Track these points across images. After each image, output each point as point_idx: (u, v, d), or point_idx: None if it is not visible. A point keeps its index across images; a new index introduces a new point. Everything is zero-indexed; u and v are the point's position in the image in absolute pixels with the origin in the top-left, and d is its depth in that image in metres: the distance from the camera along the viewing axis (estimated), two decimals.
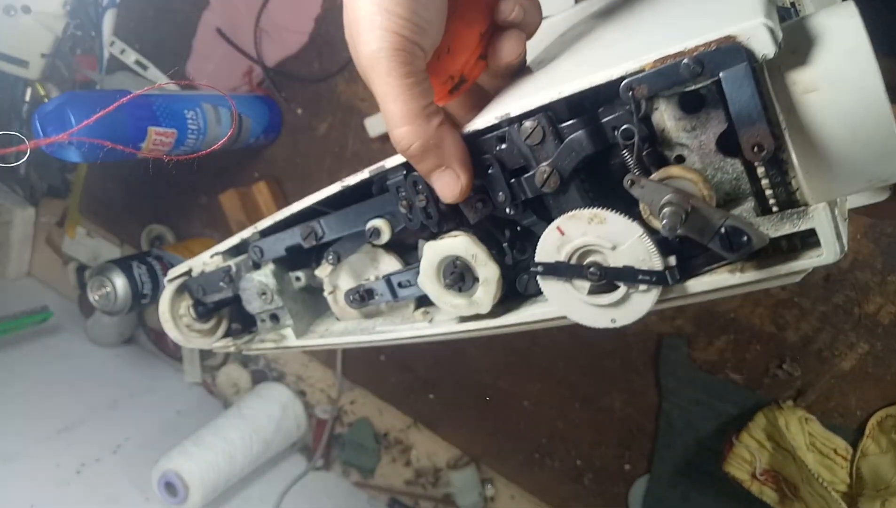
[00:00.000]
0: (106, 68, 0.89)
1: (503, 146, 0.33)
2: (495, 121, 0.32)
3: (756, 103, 0.26)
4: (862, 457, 0.67)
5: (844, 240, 0.28)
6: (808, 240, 0.28)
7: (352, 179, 0.38)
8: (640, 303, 0.31)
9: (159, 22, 0.88)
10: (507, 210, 0.34)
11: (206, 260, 0.48)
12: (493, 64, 0.36)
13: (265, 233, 0.45)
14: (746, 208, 0.29)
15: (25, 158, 0.94)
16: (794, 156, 0.27)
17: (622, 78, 0.28)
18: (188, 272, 0.49)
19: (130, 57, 0.88)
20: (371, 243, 0.39)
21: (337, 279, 0.45)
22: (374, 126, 0.79)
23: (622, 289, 0.30)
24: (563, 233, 0.31)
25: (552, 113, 0.31)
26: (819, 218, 0.27)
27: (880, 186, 0.29)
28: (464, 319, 0.38)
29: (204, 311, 0.49)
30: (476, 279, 0.36)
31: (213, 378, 1.03)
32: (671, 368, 0.75)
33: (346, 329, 0.46)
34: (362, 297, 0.42)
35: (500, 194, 0.34)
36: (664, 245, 0.29)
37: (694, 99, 0.29)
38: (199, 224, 0.95)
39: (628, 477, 0.81)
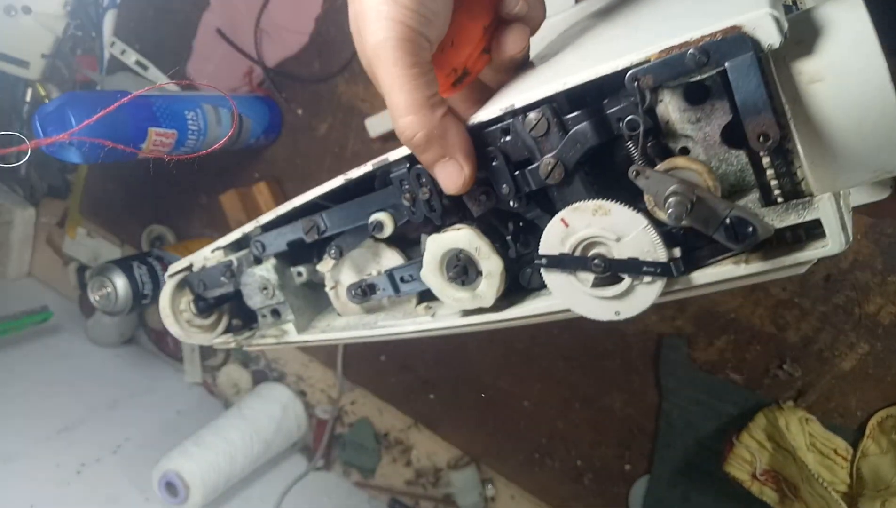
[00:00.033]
0: (106, 69, 0.89)
1: (507, 138, 0.33)
2: (500, 112, 0.32)
3: (762, 92, 0.26)
4: (862, 458, 0.67)
5: (849, 231, 0.28)
6: (813, 232, 0.28)
7: (355, 173, 0.38)
8: (645, 295, 0.30)
9: (160, 22, 0.88)
10: (511, 203, 0.34)
11: (208, 255, 0.47)
12: (496, 58, 0.36)
13: (267, 228, 0.45)
14: (751, 200, 0.29)
15: (26, 159, 0.94)
16: (799, 146, 0.27)
17: (627, 69, 0.28)
18: (189, 268, 0.49)
19: (131, 57, 0.88)
20: (374, 236, 0.39)
21: (339, 274, 0.45)
22: (374, 126, 0.79)
23: (626, 281, 0.30)
24: (567, 225, 0.31)
25: (556, 105, 0.31)
26: (824, 208, 0.27)
27: (884, 178, 0.29)
28: (467, 313, 0.38)
29: (205, 306, 0.49)
30: (479, 273, 0.36)
31: (214, 378, 1.03)
32: (671, 368, 0.75)
33: (347, 324, 0.45)
34: (364, 292, 0.42)
35: (504, 186, 0.34)
36: (668, 238, 0.29)
37: (699, 90, 0.29)
38: (199, 224, 0.95)
39: (628, 477, 0.81)
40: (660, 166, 0.29)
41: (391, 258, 0.42)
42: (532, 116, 0.31)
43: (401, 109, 0.31)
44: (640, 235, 0.29)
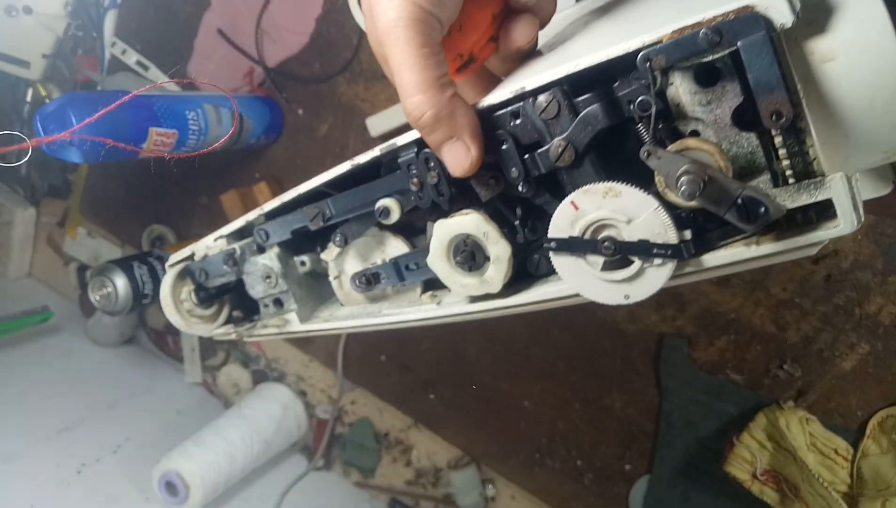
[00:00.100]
0: (107, 69, 0.89)
1: (517, 121, 0.33)
2: (510, 95, 0.32)
3: (775, 70, 0.26)
4: (862, 457, 0.67)
5: (860, 211, 0.27)
6: (824, 214, 0.28)
7: (362, 158, 0.38)
8: (655, 278, 0.30)
9: (160, 23, 0.88)
10: (520, 187, 0.34)
11: (210, 244, 0.47)
12: (503, 47, 0.37)
13: (270, 216, 0.44)
14: (762, 181, 0.29)
15: (27, 158, 0.94)
16: (811, 124, 0.27)
17: (639, 50, 0.28)
18: (190, 257, 0.48)
19: (132, 58, 0.88)
20: (380, 222, 0.39)
21: (343, 264, 0.44)
22: (375, 126, 0.79)
23: (636, 264, 0.30)
24: (577, 208, 0.31)
25: (567, 87, 0.31)
26: (836, 187, 0.27)
27: (895, 159, 0.29)
28: (474, 299, 0.37)
29: (206, 296, 0.49)
30: (487, 258, 0.36)
31: (214, 378, 1.03)
32: (672, 368, 0.75)
33: (351, 313, 0.45)
34: (368, 280, 0.42)
35: (514, 169, 0.33)
36: (678, 221, 0.29)
37: (710, 72, 0.29)
38: (199, 225, 0.95)
39: (629, 477, 0.81)
40: (671, 147, 0.29)
41: (396, 247, 0.42)
42: (542, 98, 0.31)
43: (410, 88, 0.31)
44: (651, 216, 0.29)
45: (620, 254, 0.30)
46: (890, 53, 0.26)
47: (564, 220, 0.31)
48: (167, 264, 0.49)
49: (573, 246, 0.31)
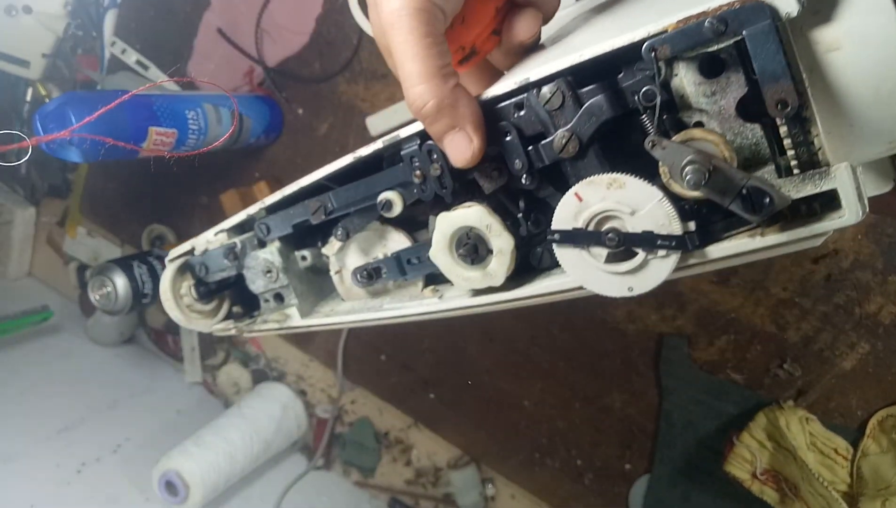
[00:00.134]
0: (107, 68, 0.89)
1: (521, 113, 0.33)
2: (514, 86, 0.32)
3: (781, 59, 0.26)
4: (862, 457, 0.66)
5: (865, 202, 0.27)
6: (828, 205, 0.28)
7: (364, 151, 0.38)
8: (659, 270, 0.30)
9: (160, 22, 0.88)
10: (524, 179, 0.34)
11: (211, 238, 0.47)
12: (506, 41, 0.36)
13: (272, 210, 0.44)
14: (767, 172, 0.29)
15: (27, 157, 0.94)
16: (816, 113, 0.27)
17: (644, 40, 0.28)
18: (191, 251, 0.48)
19: (131, 57, 0.88)
20: (382, 216, 0.38)
21: (344, 258, 0.44)
22: (375, 125, 0.79)
23: (640, 256, 0.30)
24: (581, 199, 0.31)
25: (571, 78, 0.31)
26: (841, 177, 0.27)
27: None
28: (476, 292, 0.37)
29: (206, 291, 0.49)
30: (490, 251, 0.35)
31: (214, 378, 1.03)
32: (672, 368, 0.75)
33: (352, 308, 0.45)
34: (370, 275, 0.42)
35: (517, 161, 0.33)
36: (683, 213, 0.29)
37: (714, 63, 0.29)
38: (199, 224, 0.95)
39: (629, 477, 0.81)
40: (676, 137, 0.29)
41: (398, 241, 0.42)
42: (546, 89, 0.31)
43: (413, 78, 0.31)
44: (656, 207, 0.29)
45: (624, 246, 0.30)
46: (895, 42, 0.26)
47: (568, 211, 0.31)
48: (167, 259, 0.49)
49: (577, 238, 0.31)
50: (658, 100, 0.29)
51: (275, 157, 0.87)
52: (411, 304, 0.41)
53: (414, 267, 0.40)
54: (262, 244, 0.46)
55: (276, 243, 0.45)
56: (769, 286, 0.68)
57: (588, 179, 0.30)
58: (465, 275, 0.36)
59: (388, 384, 0.92)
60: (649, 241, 0.29)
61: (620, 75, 0.31)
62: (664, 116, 0.30)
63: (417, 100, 0.31)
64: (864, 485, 0.66)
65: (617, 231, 0.30)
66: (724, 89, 0.29)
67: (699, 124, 0.31)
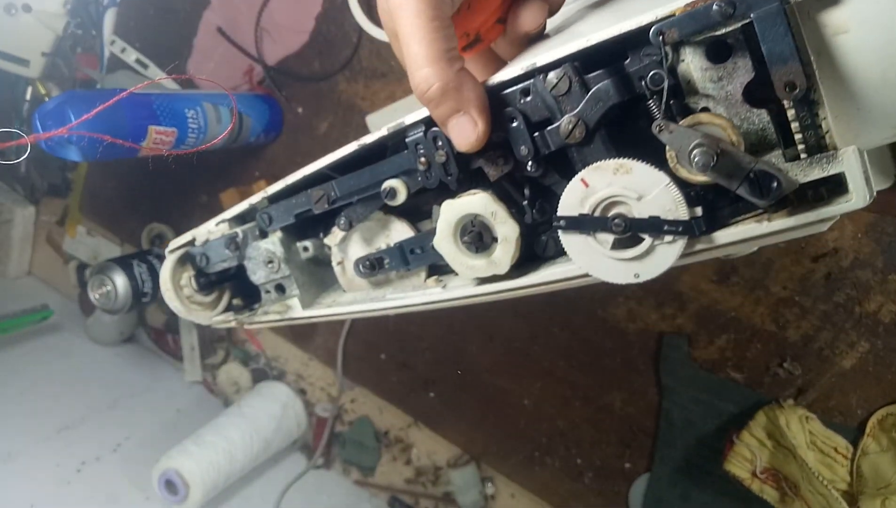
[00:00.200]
0: (106, 67, 0.89)
1: (527, 99, 0.33)
2: (521, 72, 0.32)
3: (789, 41, 0.26)
4: (862, 456, 0.67)
5: (873, 186, 0.27)
6: (835, 190, 0.28)
7: (369, 138, 0.37)
8: (665, 255, 0.30)
9: (160, 21, 0.88)
10: (529, 166, 0.34)
11: (212, 228, 0.47)
12: (511, 30, 0.36)
13: (274, 199, 0.44)
14: (774, 157, 0.29)
15: (26, 155, 0.94)
16: (824, 96, 0.27)
17: (652, 24, 0.28)
18: (192, 242, 0.48)
19: (131, 56, 0.88)
20: (386, 204, 0.38)
21: (346, 249, 0.44)
22: (375, 124, 0.79)
23: (647, 241, 0.30)
24: (587, 185, 0.30)
25: (578, 64, 0.31)
26: (849, 161, 0.27)
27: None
28: (480, 281, 0.37)
29: (206, 282, 0.48)
30: (494, 239, 0.35)
31: (214, 377, 1.03)
32: (672, 367, 0.75)
33: (354, 299, 0.44)
34: (372, 265, 0.41)
35: (523, 147, 0.33)
36: (689, 198, 0.29)
37: (721, 48, 0.29)
38: (199, 223, 0.94)
39: (629, 476, 0.81)
40: (683, 122, 0.29)
41: (401, 231, 0.42)
42: (553, 75, 0.31)
43: (419, 60, 0.30)
44: (662, 193, 0.29)
45: (631, 231, 0.30)
46: None
47: (574, 197, 0.31)
48: (167, 250, 0.49)
49: (583, 224, 0.31)
50: (665, 84, 0.29)
51: (274, 156, 0.87)
52: (414, 294, 0.41)
53: (417, 257, 0.40)
54: (263, 235, 0.46)
55: (278, 233, 0.45)
56: (769, 285, 0.68)
57: (594, 164, 0.30)
58: (469, 263, 0.36)
59: (387, 383, 0.92)
60: (656, 226, 0.29)
61: (627, 61, 0.31)
62: (671, 102, 0.30)
63: (422, 82, 0.31)
64: (864, 484, 0.66)
65: (623, 217, 0.30)
66: (731, 75, 0.29)
67: (706, 110, 0.30)
